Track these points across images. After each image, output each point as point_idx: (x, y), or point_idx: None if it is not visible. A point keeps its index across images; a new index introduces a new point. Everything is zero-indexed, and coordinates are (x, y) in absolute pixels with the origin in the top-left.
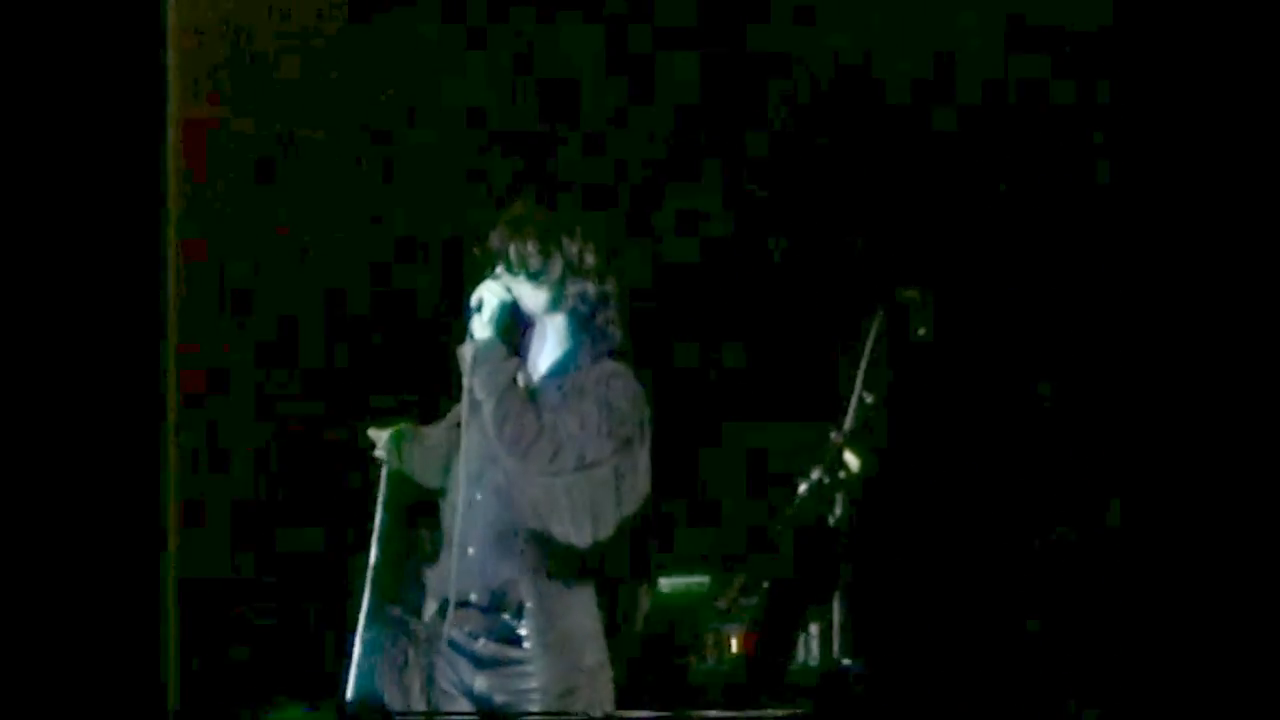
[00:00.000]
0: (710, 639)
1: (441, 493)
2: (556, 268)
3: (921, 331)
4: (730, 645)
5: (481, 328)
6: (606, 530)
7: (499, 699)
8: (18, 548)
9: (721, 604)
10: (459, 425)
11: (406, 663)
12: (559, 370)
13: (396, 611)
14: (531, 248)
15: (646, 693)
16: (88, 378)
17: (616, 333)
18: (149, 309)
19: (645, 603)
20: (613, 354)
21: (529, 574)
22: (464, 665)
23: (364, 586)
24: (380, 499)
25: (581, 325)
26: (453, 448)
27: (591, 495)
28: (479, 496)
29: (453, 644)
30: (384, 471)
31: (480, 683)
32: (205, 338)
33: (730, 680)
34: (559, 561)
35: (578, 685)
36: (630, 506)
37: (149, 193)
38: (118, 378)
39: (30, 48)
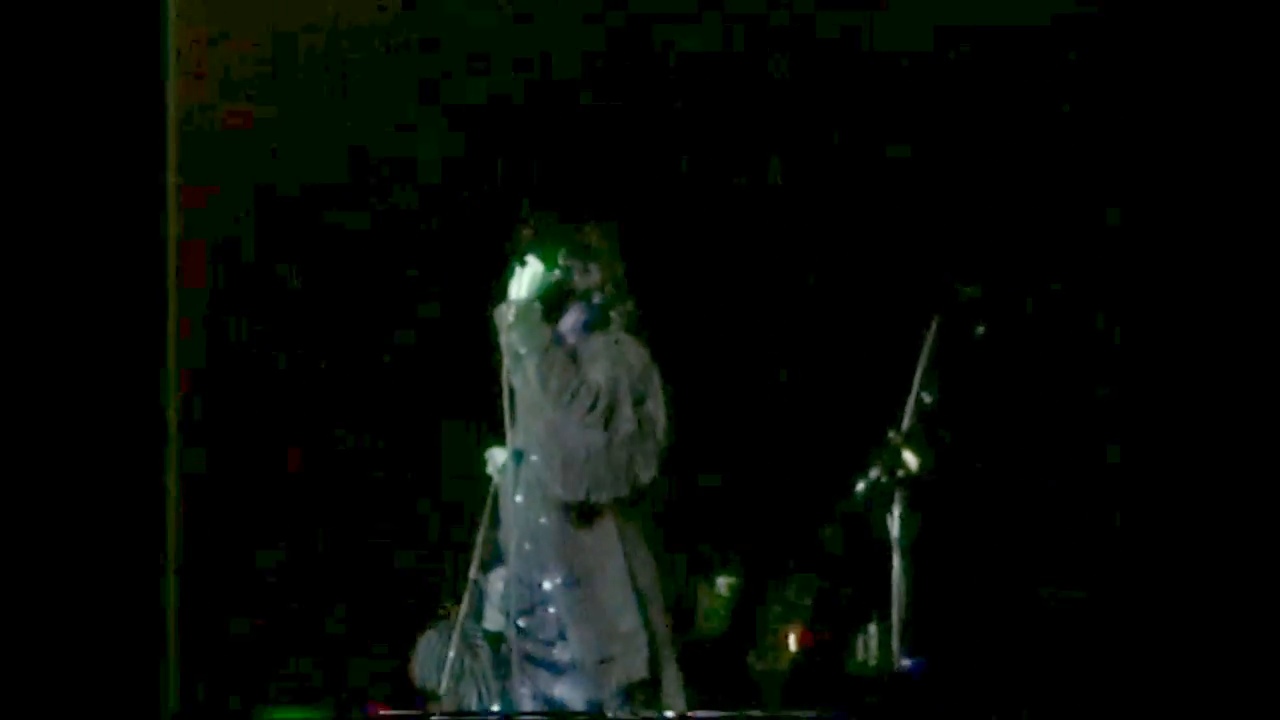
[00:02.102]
0: (768, 638)
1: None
2: (584, 268)
3: (980, 330)
4: (788, 644)
5: (519, 289)
6: (634, 481)
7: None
8: (18, 548)
9: (778, 603)
10: None
11: (463, 672)
12: (573, 343)
13: (454, 616)
14: (564, 249)
15: (705, 691)
16: (89, 375)
17: (630, 316)
18: (151, 306)
19: (704, 601)
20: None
21: (560, 546)
22: (543, 676)
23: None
24: (486, 515)
25: (602, 310)
26: None
27: (624, 448)
28: (530, 458)
29: (529, 657)
30: (493, 489)
31: (561, 690)
32: (209, 333)
33: (788, 679)
34: (589, 530)
35: (613, 654)
36: (654, 458)
37: (150, 188)
38: (119, 375)
39: (31, 45)
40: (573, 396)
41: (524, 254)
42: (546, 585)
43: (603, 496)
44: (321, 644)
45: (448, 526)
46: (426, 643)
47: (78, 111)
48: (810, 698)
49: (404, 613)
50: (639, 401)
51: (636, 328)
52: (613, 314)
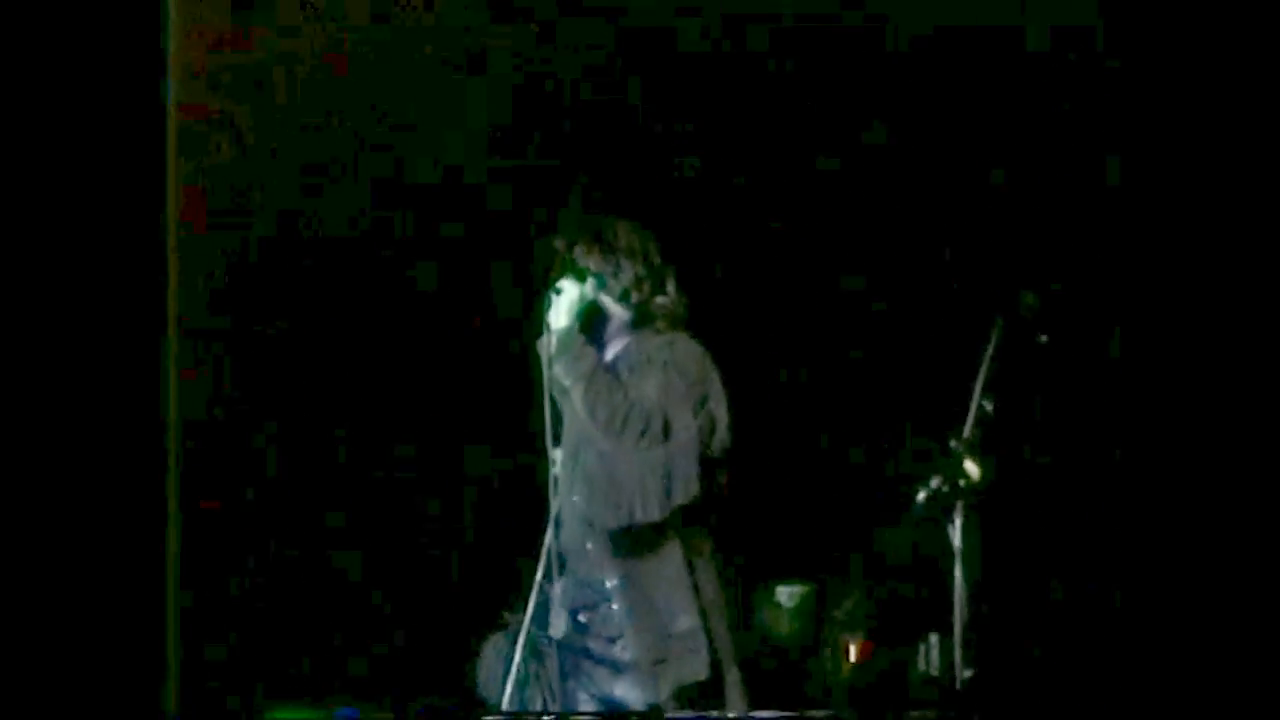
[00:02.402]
0: (828, 647)
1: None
2: (616, 267)
3: (1043, 338)
4: (848, 653)
5: (558, 318)
6: (694, 493)
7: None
8: (18, 548)
9: (839, 613)
10: None
11: (528, 677)
12: (623, 348)
13: (515, 623)
14: (595, 253)
15: (766, 701)
16: (90, 375)
17: (676, 310)
18: (151, 303)
19: (767, 610)
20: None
21: (619, 546)
22: (603, 674)
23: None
24: (551, 519)
25: (642, 308)
26: None
27: (683, 463)
28: (576, 486)
29: (589, 654)
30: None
31: (621, 689)
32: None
33: (848, 688)
34: (648, 531)
35: (668, 654)
36: (711, 464)
37: (150, 186)
38: (119, 374)
39: (32, 45)
40: (623, 424)
41: (557, 279)
42: (608, 583)
43: (651, 517)
44: (321, 645)
45: (450, 527)
46: (493, 648)
47: (78, 113)
48: (871, 706)
49: (406, 614)
50: (700, 404)
51: (684, 320)
52: (653, 310)
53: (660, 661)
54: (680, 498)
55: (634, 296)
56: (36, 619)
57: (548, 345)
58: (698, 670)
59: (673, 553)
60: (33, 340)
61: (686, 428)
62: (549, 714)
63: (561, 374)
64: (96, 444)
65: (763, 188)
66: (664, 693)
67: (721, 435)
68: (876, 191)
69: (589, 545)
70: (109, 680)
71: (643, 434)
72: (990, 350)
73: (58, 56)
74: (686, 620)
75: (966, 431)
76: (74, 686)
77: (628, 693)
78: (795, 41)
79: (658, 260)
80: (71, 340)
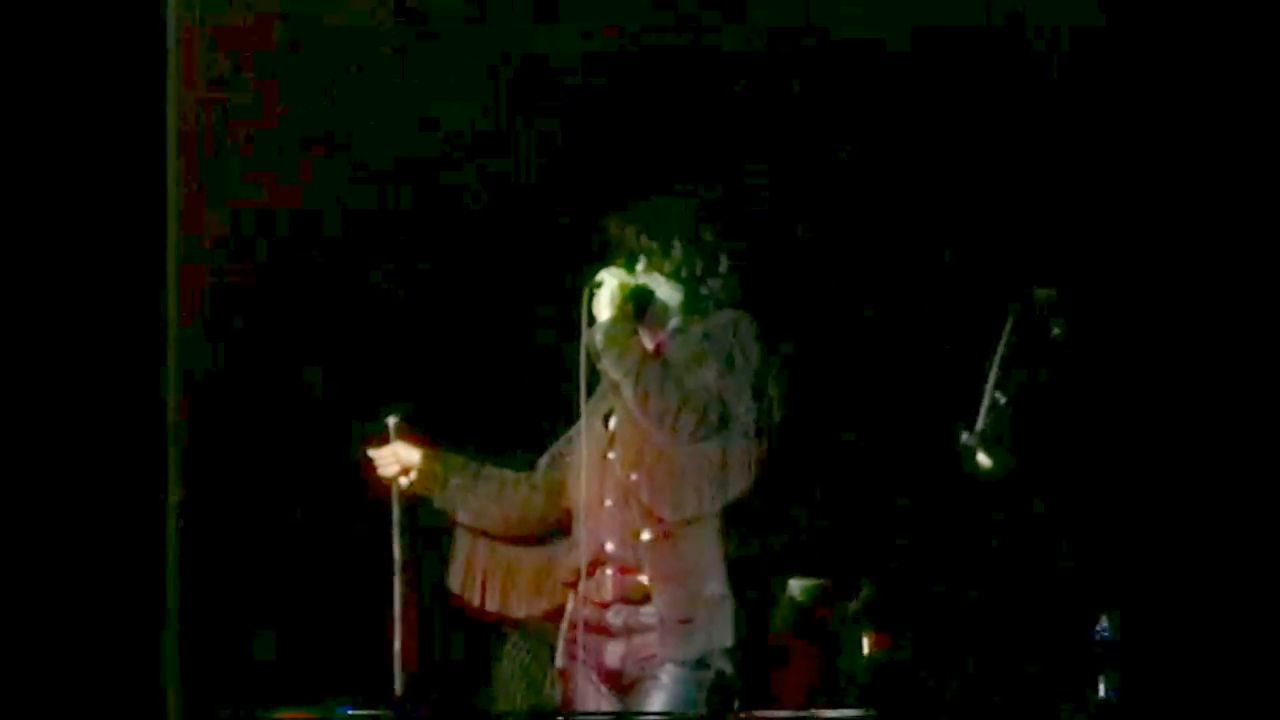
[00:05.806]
0: (842, 641)
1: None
2: (666, 245)
3: (1056, 331)
4: (861, 647)
5: (604, 310)
6: (750, 481)
7: (629, 667)
8: (18, 550)
9: (852, 606)
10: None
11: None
12: (682, 328)
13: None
14: (646, 232)
15: (777, 694)
16: (89, 374)
17: (729, 289)
18: (150, 300)
19: (778, 604)
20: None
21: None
22: (593, 641)
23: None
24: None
25: (695, 289)
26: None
27: (739, 455)
28: (634, 477)
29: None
30: (396, 495)
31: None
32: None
33: (861, 682)
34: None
35: (695, 615)
36: (766, 449)
37: (150, 185)
38: (119, 373)
39: (31, 42)
40: (675, 419)
41: (605, 265)
42: (643, 537)
43: (708, 510)
44: (322, 645)
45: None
46: (513, 647)
47: (78, 115)
48: (880, 700)
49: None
50: (758, 389)
51: (738, 300)
52: (706, 290)
53: (686, 621)
54: (736, 490)
55: (685, 274)
56: (36, 620)
57: (595, 339)
58: (723, 637)
59: (709, 518)
60: (31, 338)
61: (744, 416)
62: (549, 714)
63: (610, 368)
64: (96, 444)
65: (772, 182)
66: (689, 654)
67: (774, 418)
68: (890, 185)
69: (608, 502)
70: (109, 680)
71: (697, 427)
72: (1003, 341)
73: (58, 58)
74: (716, 585)
75: (979, 424)
76: (74, 687)
77: (656, 648)
78: (811, 37)
79: (709, 237)
80: (70, 339)
